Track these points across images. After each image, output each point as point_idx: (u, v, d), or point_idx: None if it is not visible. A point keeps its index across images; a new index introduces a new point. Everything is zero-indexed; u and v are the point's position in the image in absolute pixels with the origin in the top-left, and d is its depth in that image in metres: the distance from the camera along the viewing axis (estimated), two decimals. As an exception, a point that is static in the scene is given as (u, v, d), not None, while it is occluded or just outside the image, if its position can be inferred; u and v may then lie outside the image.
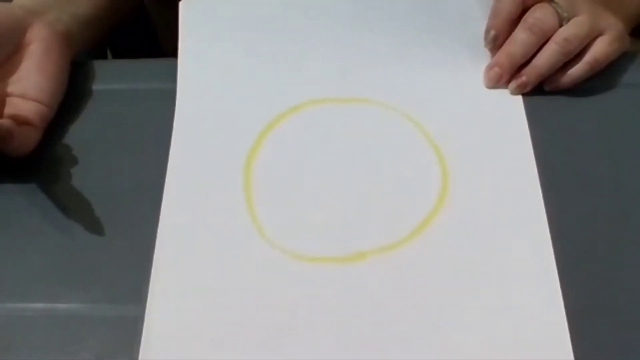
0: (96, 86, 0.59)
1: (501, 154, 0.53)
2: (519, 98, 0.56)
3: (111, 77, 0.60)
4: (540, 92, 0.56)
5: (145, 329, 0.45)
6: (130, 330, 0.45)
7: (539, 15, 0.55)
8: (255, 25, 0.59)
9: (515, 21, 0.56)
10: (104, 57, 0.81)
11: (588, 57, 0.55)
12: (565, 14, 0.54)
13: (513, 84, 0.56)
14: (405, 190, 0.51)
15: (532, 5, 0.55)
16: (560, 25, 0.55)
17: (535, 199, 0.50)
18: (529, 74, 0.55)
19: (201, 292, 0.47)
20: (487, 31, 0.56)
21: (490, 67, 0.56)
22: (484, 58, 0.57)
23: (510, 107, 0.56)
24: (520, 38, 0.55)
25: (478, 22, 0.57)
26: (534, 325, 0.45)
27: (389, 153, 0.53)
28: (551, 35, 0.55)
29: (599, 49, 0.55)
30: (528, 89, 0.56)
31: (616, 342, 0.45)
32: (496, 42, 0.56)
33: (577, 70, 0.56)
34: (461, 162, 0.53)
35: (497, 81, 0.56)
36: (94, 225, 0.51)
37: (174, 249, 0.49)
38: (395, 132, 0.55)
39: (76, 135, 0.56)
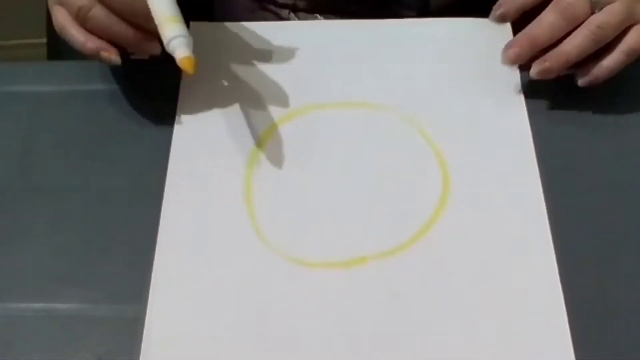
0: (95, 86, 0.59)
1: (503, 157, 0.53)
2: (522, 101, 0.55)
3: (111, 77, 0.60)
4: (542, 93, 0.56)
5: (146, 330, 0.45)
6: (130, 330, 0.45)
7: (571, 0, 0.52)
8: (259, 32, 0.59)
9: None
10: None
11: (623, 46, 0.52)
12: (599, 1, 0.52)
13: (535, 69, 0.53)
14: (406, 195, 0.51)
15: None
16: (593, 13, 0.52)
17: (537, 202, 0.50)
18: (555, 60, 0.52)
19: (201, 294, 0.47)
20: (497, 7, 0.55)
21: (509, 46, 0.54)
22: (486, 62, 0.57)
23: (512, 110, 0.55)
24: (549, 20, 0.52)
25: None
26: (535, 326, 0.45)
27: (390, 157, 0.53)
28: (581, 23, 0.52)
29: (635, 38, 0.52)
30: (552, 76, 0.53)
31: (617, 342, 0.45)
32: (501, 19, 0.55)
33: (612, 61, 0.53)
34: (463, 166, 0.52)
35: (514, 62, 0.54)
36: (93, 225, 0.50)
37: (175, 250, 0.49)
38: (396, 136, 0.54)
39: (76, 135, 0.56)
